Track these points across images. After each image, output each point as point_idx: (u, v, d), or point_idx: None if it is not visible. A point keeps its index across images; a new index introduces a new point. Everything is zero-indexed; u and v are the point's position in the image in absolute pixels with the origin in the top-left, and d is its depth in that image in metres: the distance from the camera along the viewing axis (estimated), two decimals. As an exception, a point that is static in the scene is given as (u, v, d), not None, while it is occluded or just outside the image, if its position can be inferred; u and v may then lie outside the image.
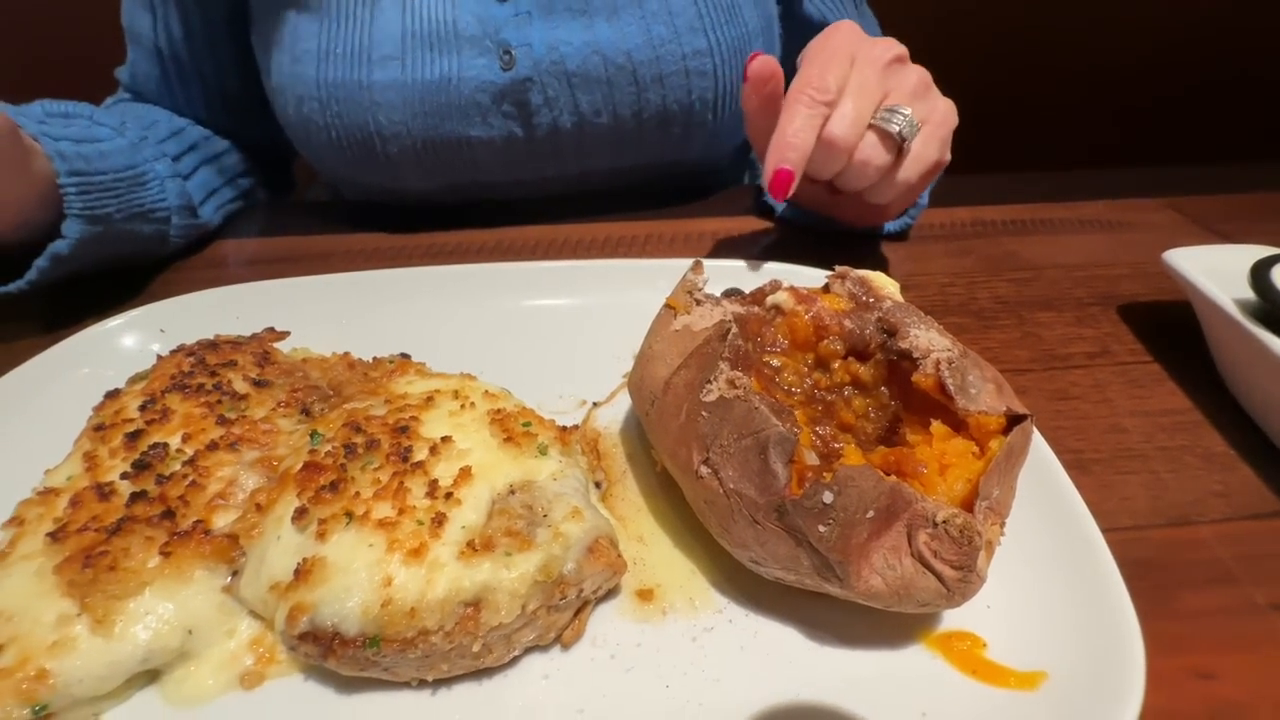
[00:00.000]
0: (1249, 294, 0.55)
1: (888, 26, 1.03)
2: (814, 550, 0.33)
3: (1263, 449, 0.52)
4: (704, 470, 0.37)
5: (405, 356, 0.53)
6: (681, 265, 0.64)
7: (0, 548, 0.38)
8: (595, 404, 0.54)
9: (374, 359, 0.53)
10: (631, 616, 0.39)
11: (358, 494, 0.37)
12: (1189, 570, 0.44)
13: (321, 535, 0.35)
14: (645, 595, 0.40)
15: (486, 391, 0.46)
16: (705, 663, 0.37)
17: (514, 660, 0.37)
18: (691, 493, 0.40)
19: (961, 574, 0.32)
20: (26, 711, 0.32)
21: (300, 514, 0.36)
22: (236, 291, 0.61)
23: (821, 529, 0.33)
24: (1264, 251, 0.58)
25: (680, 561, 0.42)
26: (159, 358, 0.51)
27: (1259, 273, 0.54)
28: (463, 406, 0.44)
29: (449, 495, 0.37)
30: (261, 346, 0.52)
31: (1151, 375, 0.60)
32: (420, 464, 0.39)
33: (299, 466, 0.39)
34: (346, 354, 0.54)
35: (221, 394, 0.45)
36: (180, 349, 0.51)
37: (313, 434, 0.42)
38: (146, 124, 0.79)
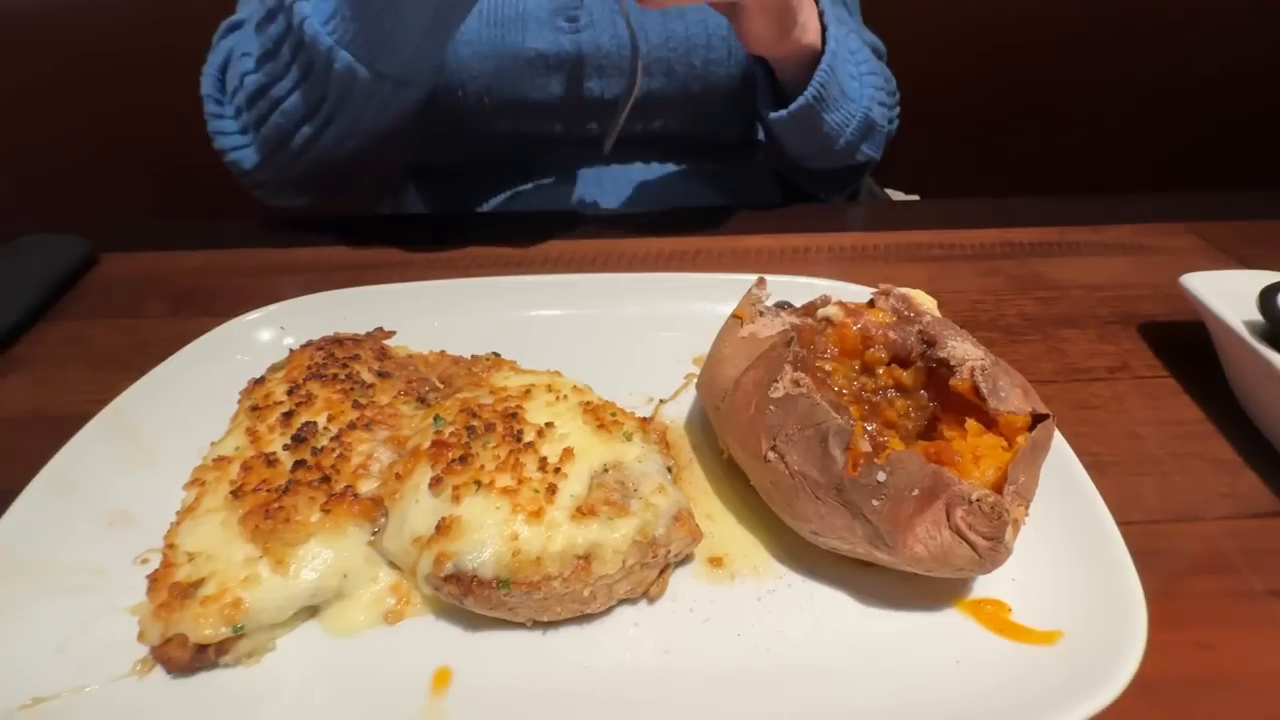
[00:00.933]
0: (1258, 316, 0.60)
1: (923, 54, 1.09)
2: (867, 521, 0.40)
3: (1267, 456, 0.57)
4: (771, 455, 0.44)
5: (497, 355, 0.61)
6: (732, 279, 0.72)
7: (186, 504, 0.46)
8: (662, 401, 0.61)
9: (471, 356, 0.61)
10: (705, 579, 0.46)
11: (482, 467, 0.44)
12: (1194, 559, 0.50)
13: (456, 499, 0.43)
14: (715, 562, 0.47)
15: (574, 386, 0.54)
16: (769, 618, 0.44)
17: (609, 610, 0.44)
18: (758, 475, 0.47)
19: (992, 544, 0.39)
20: (228, 630, 0.40)
21: (435, 482, 0.44)
22: (343, 295, 0.69)
23: (875, 503, 0.39)
24: (1275, 277, 0.64)
25: (744, 535, 0.49)
26: (291, 351, 0.59)
27: (1267, 297, 0.60)
28: (557, 398, 0.51)
29: (557, 470, 0.44)
30: (376, 343, 0.60)
31: (1167, 389, 0.65)
32: (530, 444, 0.46)
33: (428, 444, 0.47)
34: (443, 352, 0.62)
35: (352, 383, 0.53)
36: (309, 344, 0.59)
37: (435, 418, 0.49)
38: None
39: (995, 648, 0.40)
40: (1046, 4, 1.36)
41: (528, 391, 0.52)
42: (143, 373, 0.66)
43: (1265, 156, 1.36)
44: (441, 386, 0.56)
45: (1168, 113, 1.29)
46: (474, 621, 0.43)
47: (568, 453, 0.45)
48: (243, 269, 0.86)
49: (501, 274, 0.79)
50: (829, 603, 0.44)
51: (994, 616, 0.42)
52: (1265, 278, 0.64)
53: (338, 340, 0.59)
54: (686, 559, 0.47)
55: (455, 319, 0.68)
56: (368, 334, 0.62)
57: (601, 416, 0.49)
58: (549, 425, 0.47)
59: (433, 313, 0.68)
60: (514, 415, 0.48)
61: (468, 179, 1.07)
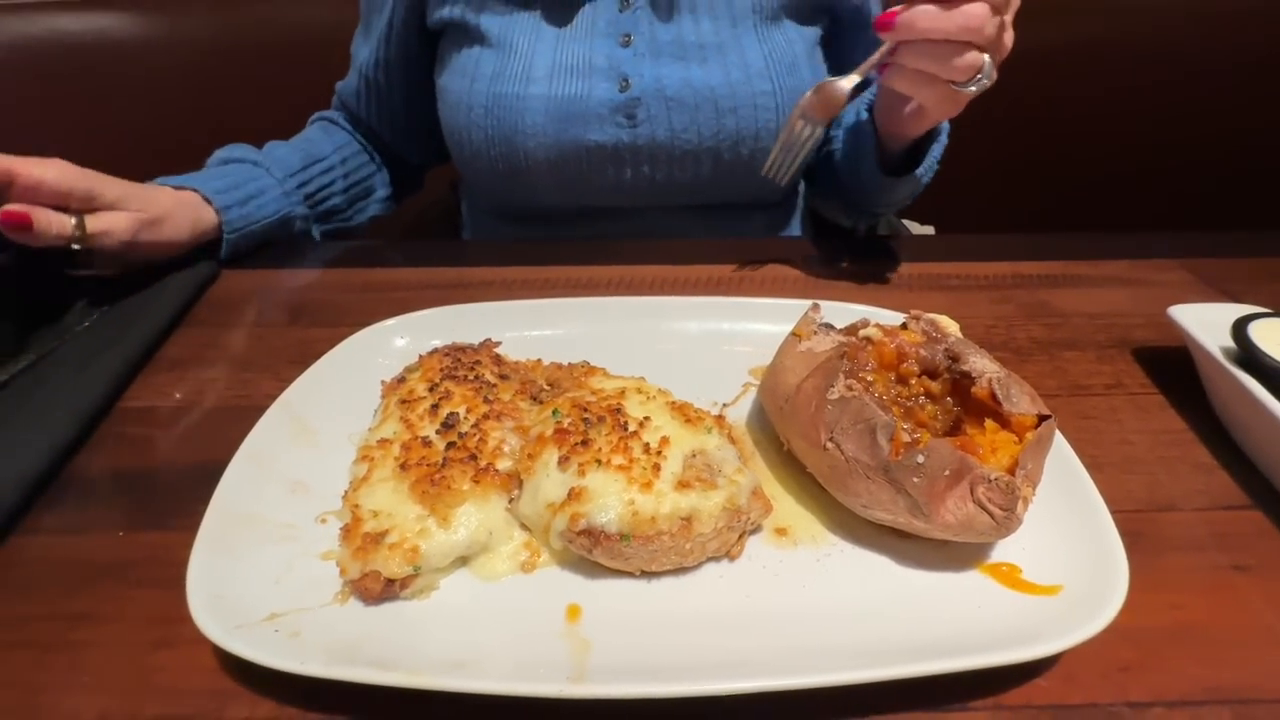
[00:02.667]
0: (1232, 344, 0.71)
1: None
2: (908, 495, 0.51)
3: (1238, 460, 0.68)
4: (829, 445, 0.56)
5: (588, 364, 0.73)
6: (782, 304, 0.83)
7: (359, 475, 0.58)
8: (725, 405, 0.73)
9: (568, 364, 0.73)
10: (773, 545, 0.57)
11: (600, 449, 0.56)
12: (1172, 541, 0.60)
13: (581, 473, 0.54)
14: (781, 532, 0.58)
15: (659, 390, 0.65)
16: (826, 576, 0.55)
17: (699, 566, 0.55)
18: (817, 462, 0.58)
19: (1006, 515, 0.50)
20: (410, 568, 0.51)
21: (563, 460, 0.56)
22: (453, 310, 0.81)
23: (915, 480, 0.51)
24: (1251, 309, 0.75)
25: (802, 511, 0.60)
26: (420, 356, 0.71)
27: (1238, 327, 0.71)
28: (647, 399, 0.63)
29: (659, 453, 0.56)
30: (489, 351, 0.72)
31: (1155, 403, 0.76)
32: (635, 433, 0.58)
33: (551, 431, 0.58)
34: (540, 360, 0.74)
35: (480, 383, 0.65)
36: (435, 350, 0.71)
37: (554, 411, 0.61)
38: (309, 155, 1.13)
39: (1008, 598, 0.52)
40: (1050, 71, 1.49)
41: (622, 392, 0.63)
42: (276, 373, 0.80)
43: (1253, 201, 1.48)
44: (549, 388, 0.68)
45: (1164, 160, 1.41)
46: (593, 571, 0.55)
47: (665, 440, 0.57)
48: (345, 286, 0.99)
49: (576, 294, 0.91)
50: (874, 564, 0.55)
51: (1008, 575, 0.53)
52: (1244, 310, 0.75)
53: (459, 348, 0.71)
54: (758, 528, 0.58)
55: (546, 332, 0.80)
56: (481, 343, 0.74)
57: (688, 413, 0.61)
58: (647, 419, 0.59)
59: (526, 326, 0.80)
60: (618, 410, 0.60)
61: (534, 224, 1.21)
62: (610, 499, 0.52)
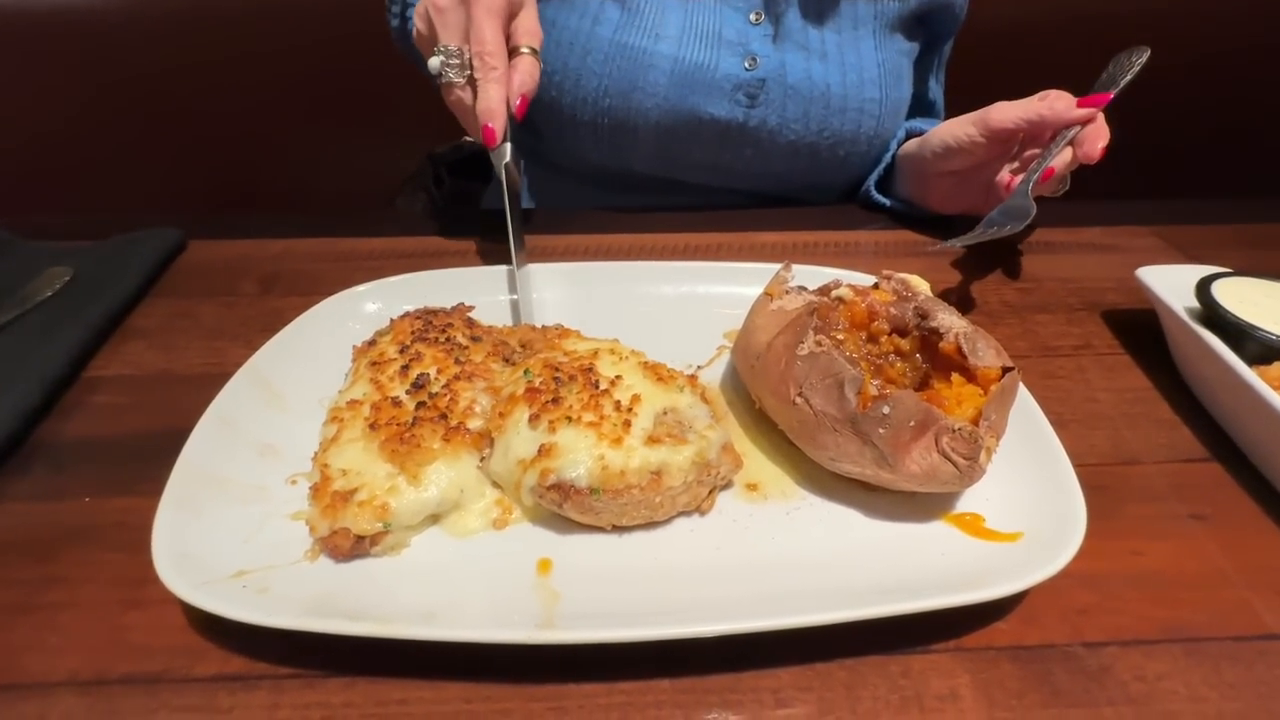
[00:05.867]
0: (1197, 304, 0.72)
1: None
2: (875, 447, 0.52)
3: (1199, 416, 0.69)
4: (798, 400, 0.56)
5: (562, 326, 0.73)
6: (755, 268, 0.83)
7: (329, 435, 0.58)
8: (699, 367, 0.73)
9: (543, 326, 0.72)
10: (743, 500, 0.58)
11: (570, 406, 0.56)
12: (1134, 492, 0.62)
13: (552, 430, 0.54)
14: (752, 487, 0.59)
15: (631, 351, 0.65)
16: (795, 528, 0.55)
17: (670, 520, 0.55)
18: (786, 417, 0.58)
19: (970, 464, 0.51)
20: (380, 525, 0.51)
21: (533, 418, 0.56)
22: (425, 276, 0.80)
23: (881, 431, 0.51)
24: (1215, 269, 0.76)
25: (772, 468, 0.61)
26: (392, 320, 0.71)
27: (1202, 287, 0.72)
28: (620, 359, 0.63)
29: (630, 410, 0.56)
30: (462, 315, 0.71)
31: (1122, 364, 0.78)
32: (606, 391, 0.58)
33: (522, 390, 0.58)
34: (516, 325, 0.74)
35: (451, 345, 0.65)
36: (407, 314, 0.71)
37: (525, 371, 0.61)
38: None
39: (973, 544, 0.53)
40: (1026, 41, 1.49)
41: (595, 353, 0.63)
42: (248, 342, 0.78)
43: (1226, 168, 1.49)
44: (521, 349, 0.68)
45: (1136, 128, 1.42)
46: (564, 527, 0.55)
47: (636, 398, 0.57)
48: (319, 255, 0.97)
49: (553, 261, 0.90)
50: (842, 516, 0.56)
51: (971, 524, 0.54)
52: (1209, 271, 0.76)
53: (431, 311, 0.71)
54: (729, 483, 0.58)
55: (521, 297, 0.79)
56: (454, 307, 0.74)
57: (660, 372, 0.61)
58: (619, 378, 0.59)
59: (500, 291, 0.80)
60: (590, 369, 0.60)
61: (577, 184, 1.17)
62: (580, 454, 0.53)
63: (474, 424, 0.58)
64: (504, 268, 0.83)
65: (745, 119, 1.02)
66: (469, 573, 0.52)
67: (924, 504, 0.56)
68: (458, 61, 0.74)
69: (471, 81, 0.74)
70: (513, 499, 0.56)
